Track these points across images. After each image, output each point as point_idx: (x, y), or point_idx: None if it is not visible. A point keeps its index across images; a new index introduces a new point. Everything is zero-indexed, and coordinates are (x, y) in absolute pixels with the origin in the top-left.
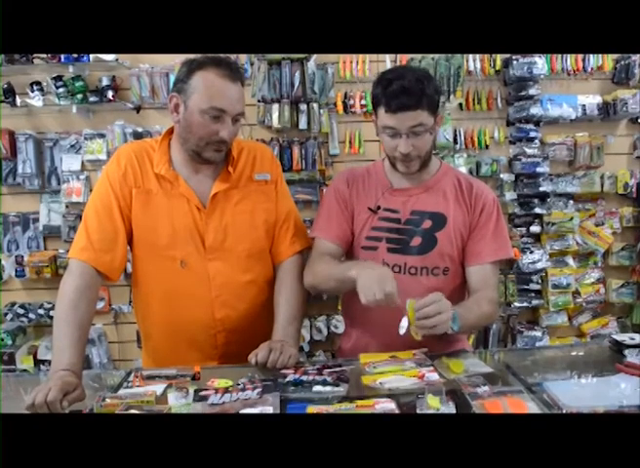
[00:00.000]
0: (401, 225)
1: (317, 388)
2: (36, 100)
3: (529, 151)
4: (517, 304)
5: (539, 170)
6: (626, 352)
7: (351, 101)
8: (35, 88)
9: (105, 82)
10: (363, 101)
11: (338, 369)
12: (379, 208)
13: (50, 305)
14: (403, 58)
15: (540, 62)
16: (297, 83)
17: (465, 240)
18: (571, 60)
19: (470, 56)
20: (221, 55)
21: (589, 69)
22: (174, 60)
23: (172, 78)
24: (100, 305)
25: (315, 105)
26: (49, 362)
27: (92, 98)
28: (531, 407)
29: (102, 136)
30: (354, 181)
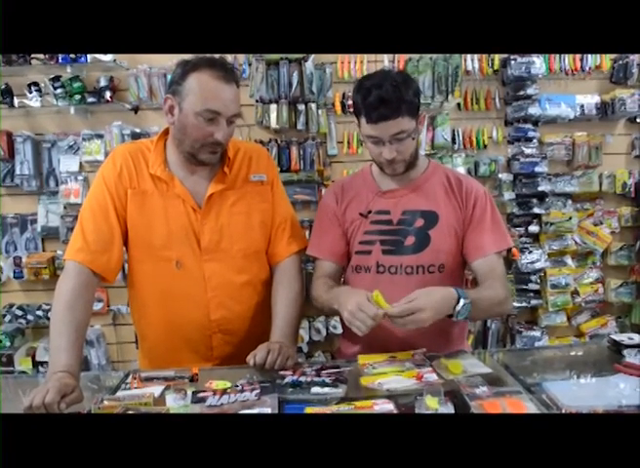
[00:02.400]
0: (394, 226)
1: (315, 389)
2: (34, 101)
3: (527, 151)
4: (516, 304)
5: (537, 169)
6: (625, 352)
7: (349, 101)
8: (33, 89)
9: (103, 83)
10: None
11: (336, 370)
12: (369, 212)
13: (48, 307)
14: (401, 58)
15: (538, 62)
16: (295, 83)
17: (460, 236)
18: (569, 60)
19: (468, 55)
20: (216, 55)
21: (587, 69)
22: (171, 61)
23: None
24: (99, 306)
25: (313, 105)
26: (47, 363)
27: (90, 99)
28: (530, 407)
29: (100, 136)
30: (343, 193)
